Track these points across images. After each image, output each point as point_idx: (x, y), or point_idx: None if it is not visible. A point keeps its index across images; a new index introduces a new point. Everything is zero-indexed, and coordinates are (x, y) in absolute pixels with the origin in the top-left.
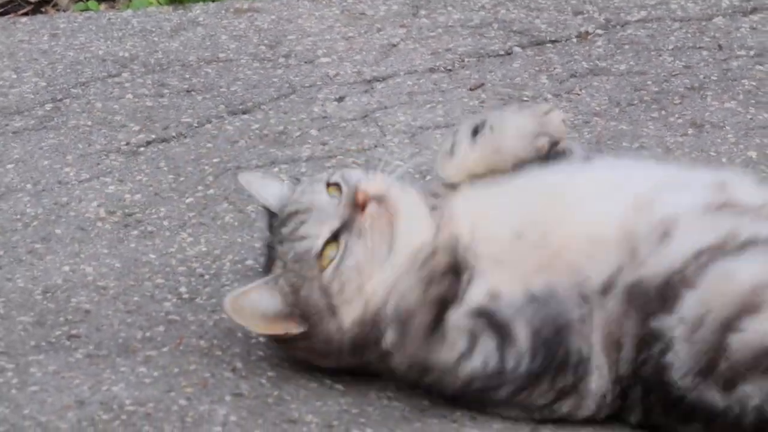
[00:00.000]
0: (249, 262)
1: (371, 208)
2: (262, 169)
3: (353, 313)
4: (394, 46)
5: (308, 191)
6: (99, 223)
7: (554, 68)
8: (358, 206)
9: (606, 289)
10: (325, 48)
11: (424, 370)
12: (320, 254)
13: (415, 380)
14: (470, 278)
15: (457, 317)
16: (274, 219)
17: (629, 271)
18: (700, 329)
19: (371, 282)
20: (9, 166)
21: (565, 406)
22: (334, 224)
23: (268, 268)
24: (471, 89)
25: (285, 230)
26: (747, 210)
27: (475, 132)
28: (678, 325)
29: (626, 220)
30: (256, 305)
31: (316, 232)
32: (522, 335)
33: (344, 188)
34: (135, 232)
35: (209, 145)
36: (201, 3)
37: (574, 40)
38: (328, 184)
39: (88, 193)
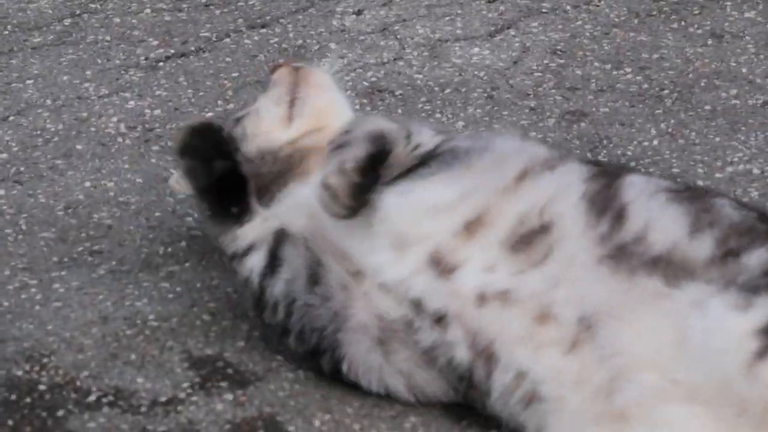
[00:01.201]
0: None
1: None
2: None
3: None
4: None
5: None
6: (120, 139)
7: None
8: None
9: None
10: None
11: None
12: None
13: None
14: None
15: None
16: None
17: None
18: None
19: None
20: (29, 81)
21: None
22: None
23: None
24: (489, 1)
25: None
26: None
27: None
28: None
29: None
30: None
31: None
32: None
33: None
34: (156, 148)
35: (228, 59)
36: None
37: None
38: None
39: (108, 109)
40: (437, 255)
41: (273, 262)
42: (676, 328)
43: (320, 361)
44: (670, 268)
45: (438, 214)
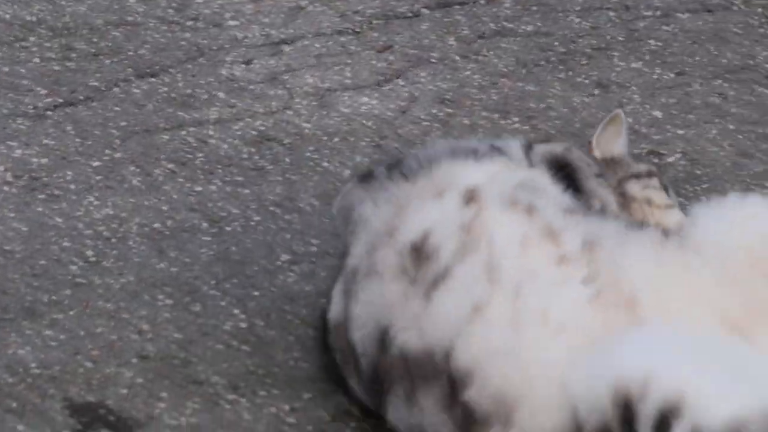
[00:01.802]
0: (156, 225)
1: None
2: (170, 133)
3: None
4: (302, 8)
5: None
6: (5, 188)
7: (462, 30)
8: None
9: None
10: (232, 11)
11: None
12: None
13: None
14: None
15: None
16: None
17: None
18: None
19: None
20: None
21: None
22: None
23: None
24: (379, 51)
25: None
26: None
27: None
28: None
29: None
30: None
31: None
32: None
33: None
34: (42, 196)
35: (117, 108)
36: None
37: (482, 1)
38: None
39: None
40: None
41: None
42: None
43: None
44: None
45: None
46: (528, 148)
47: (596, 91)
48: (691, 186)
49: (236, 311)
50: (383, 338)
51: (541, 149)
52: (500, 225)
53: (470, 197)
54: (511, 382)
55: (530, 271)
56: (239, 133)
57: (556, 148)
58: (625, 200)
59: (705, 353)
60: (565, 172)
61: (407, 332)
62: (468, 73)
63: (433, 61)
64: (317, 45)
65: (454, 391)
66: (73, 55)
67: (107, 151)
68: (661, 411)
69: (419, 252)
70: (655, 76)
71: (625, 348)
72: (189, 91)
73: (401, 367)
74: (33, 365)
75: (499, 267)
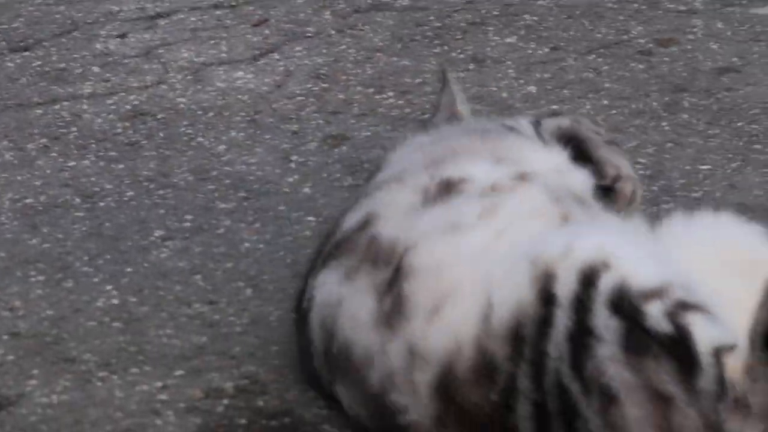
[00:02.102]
0: (29, 200)
1: None
2: (43, 107)
3: None
4: None
5: None
6: None
7: (337, 4)
8: None
9: None
10: None
11: None
12: None
13: None
14: None
15: None
16: None
17: None
18: None
19: None
20: None
21: None
22: None
23: None
24: (254, 25)
25: None
26: None
27: None
28: None
29: None
30: None
31: None
32: None
33: None
34: None
35: None
36: None
37: None
38: None
39: None
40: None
41: None
42: None
43: None
44: None
45: None
46: (537, 124)
47: (471, 66)
48: None
49: (109, 287)
50: (367, 221)
51: (549, 124)
52: (525, 198)
53: (522, 177)
54: (452, 281)
55: (525, 224)
56: (113, 107)
57: (564, 121)
58: None
59: (631, 234)
60: (574, 144)
61: (389, 227)
62: (343, 47)
63: (309, 35)
64: (192, 19)
65: (395, 281)
66: None
67: None
68: (586, 266)
69: (450, 187)
70: (530, 51)
71: (548, 234)
72: (63, 65)
73: (364, 247)
74: None
75: (498, 211)
